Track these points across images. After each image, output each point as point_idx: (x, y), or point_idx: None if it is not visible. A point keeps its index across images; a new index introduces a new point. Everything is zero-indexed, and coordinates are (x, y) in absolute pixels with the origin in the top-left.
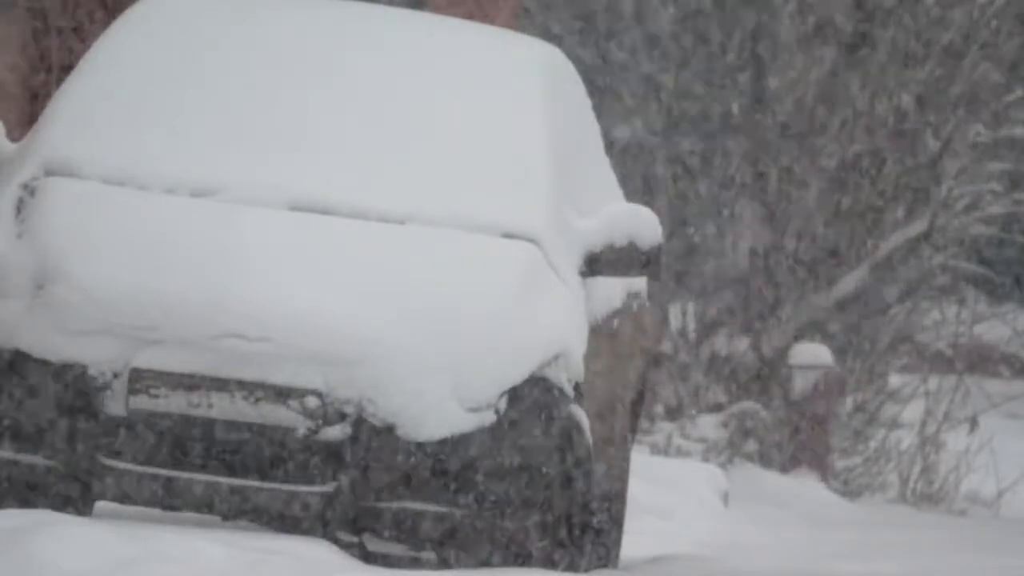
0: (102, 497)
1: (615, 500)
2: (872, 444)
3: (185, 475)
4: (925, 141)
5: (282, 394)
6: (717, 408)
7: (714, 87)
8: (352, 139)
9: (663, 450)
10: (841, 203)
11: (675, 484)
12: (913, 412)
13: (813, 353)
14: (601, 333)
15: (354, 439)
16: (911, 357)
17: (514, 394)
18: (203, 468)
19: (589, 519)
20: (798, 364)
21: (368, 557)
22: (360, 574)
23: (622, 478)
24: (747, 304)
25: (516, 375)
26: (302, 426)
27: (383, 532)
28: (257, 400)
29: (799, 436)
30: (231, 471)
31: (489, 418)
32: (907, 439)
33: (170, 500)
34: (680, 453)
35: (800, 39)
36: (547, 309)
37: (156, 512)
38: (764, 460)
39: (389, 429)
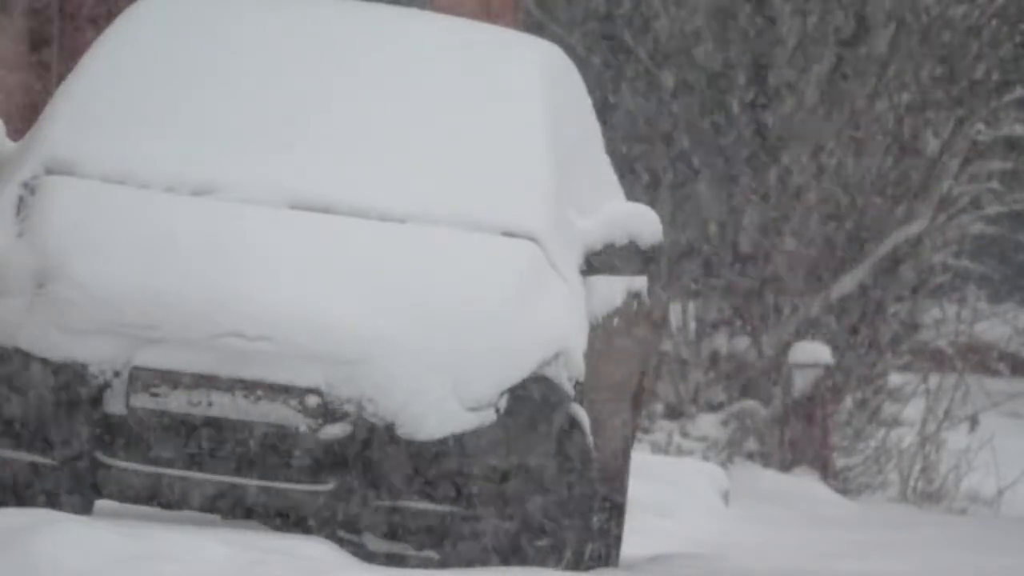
0: (102, 496)
1: (615, 499)
2: (872, 443)
3: (185, 474)
4: (925, 141)
5: (282, 393)
6: (717, 407)
7: (715, 86)
8: (352, 138)
9: (663, 449)
10: (841, 203)
11: (675, 483)
12: (913, 411)
13: (813, 352)
14: (601, 332)
15: (354, 438)
16: (911, 356)
17: (514, 393)
18: (203, 467)
19: (589, 518)
20: (798, 363)
21: (368, 556)
22: (360, 574)
23: (622, 476)
24: (747, 303)
25: (516, 374)
26: (303, 425)
27: (383, 531)
28: (257, 399)
29: (799, 435)
30: (231, 470)
31: (489, 417)
32: (907, 438)
33: (170, 499)
34: (680, 452)
35: (800, 39)
36: (547, 308)
37: (156, 511)
38: (764, 459)
39: (389, 428)
